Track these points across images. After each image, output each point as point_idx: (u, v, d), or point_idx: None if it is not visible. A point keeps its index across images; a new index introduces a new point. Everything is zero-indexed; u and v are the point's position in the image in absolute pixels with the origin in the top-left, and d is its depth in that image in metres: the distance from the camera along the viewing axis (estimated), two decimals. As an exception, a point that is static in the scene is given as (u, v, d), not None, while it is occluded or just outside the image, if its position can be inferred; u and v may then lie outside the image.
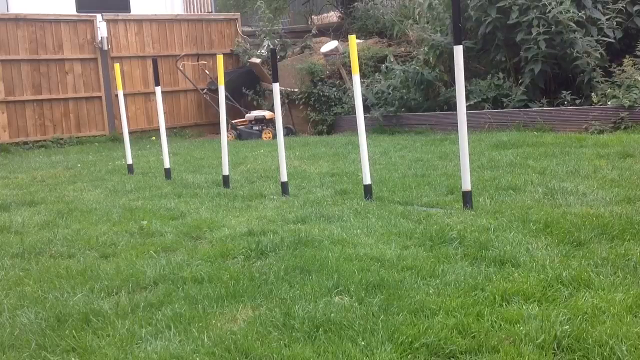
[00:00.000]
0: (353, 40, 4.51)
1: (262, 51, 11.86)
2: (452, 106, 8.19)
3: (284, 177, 4.88)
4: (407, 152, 6.63)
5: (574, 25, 7.40)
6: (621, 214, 3.35)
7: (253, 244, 3.27)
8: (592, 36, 7.59)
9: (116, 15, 11.61)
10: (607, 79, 7.37)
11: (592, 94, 7.18)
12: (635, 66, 7.20)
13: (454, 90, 4.29)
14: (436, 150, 6.51)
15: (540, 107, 7.60)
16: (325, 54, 10.83)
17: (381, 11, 11.42)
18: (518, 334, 2.00)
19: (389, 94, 8.97)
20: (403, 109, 8.84)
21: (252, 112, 10.67)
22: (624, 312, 2.13)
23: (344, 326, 2.15)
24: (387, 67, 9.42)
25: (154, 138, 10.44)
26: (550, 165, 5.02)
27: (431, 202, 4.18)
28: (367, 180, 4.43)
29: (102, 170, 7.00)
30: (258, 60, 11.46)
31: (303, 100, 10.35)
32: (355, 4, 12.11)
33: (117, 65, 7.15)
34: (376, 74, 9.70)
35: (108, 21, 11.28)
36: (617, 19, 7.68)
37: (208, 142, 10.01)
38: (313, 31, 11.99)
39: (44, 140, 10.75)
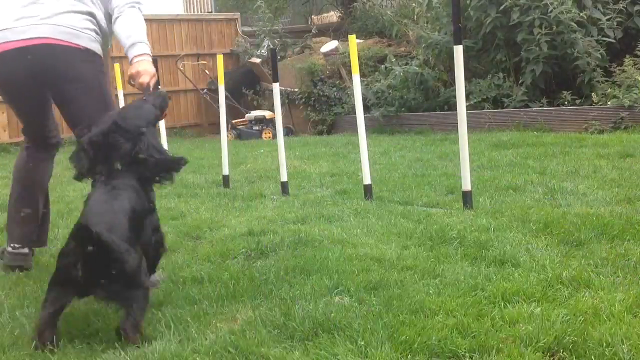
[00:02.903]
0: (353, 40, 4.51)
1: (262, 51, 11.86)
2: (452, 106, 8.18)
3: (284, 177, 4.88)
4: (407, 152, 6.63)
5: (575, 25, 7.40)
6: (621, 214, 3.35)
7: (253, 244, 3.28)
8: (592, 36, 7.59)
9: (116, 15, 11.62)
10: (607, 79, 7.36)
11: (592, 93, 7.18)
12: (636, 66, 7.20)
13: (454, 90, 4.29)
14: (436, 150, 6.50)
15: (540, 107, 7.60)
16: (325, 54, 10.83)
17: (380, 11, 11.42)
18: (518, 334, 2.00)
19: (389, 93, 8.96)
20: (403, 109, 8.84)
21: (252, 112, 10.67)
22: (624, 312, 2.13)
23: (344, 326, 2.15)
24: (385, 67, 9.41)
25: (154, 138, 10.43)
26: (550, 165, 5.01)
27: (431, 202, 4.18)
28: (367, 180, 4.43)
29: (102, 170, 6.98)
30: (258, 60, 11.45)
31: (303, 100, 10.35)
32: (355, 3, 12.10)
33: (117, 65, 7.15)
34: (376, 73, 9.70)
35: (108, 21, 11.29)
36: (618, 19, 7.68)
37: (208, 142, 10.00)
38: (313, 31, 11.99)
39: (44, 140, 10.73)
